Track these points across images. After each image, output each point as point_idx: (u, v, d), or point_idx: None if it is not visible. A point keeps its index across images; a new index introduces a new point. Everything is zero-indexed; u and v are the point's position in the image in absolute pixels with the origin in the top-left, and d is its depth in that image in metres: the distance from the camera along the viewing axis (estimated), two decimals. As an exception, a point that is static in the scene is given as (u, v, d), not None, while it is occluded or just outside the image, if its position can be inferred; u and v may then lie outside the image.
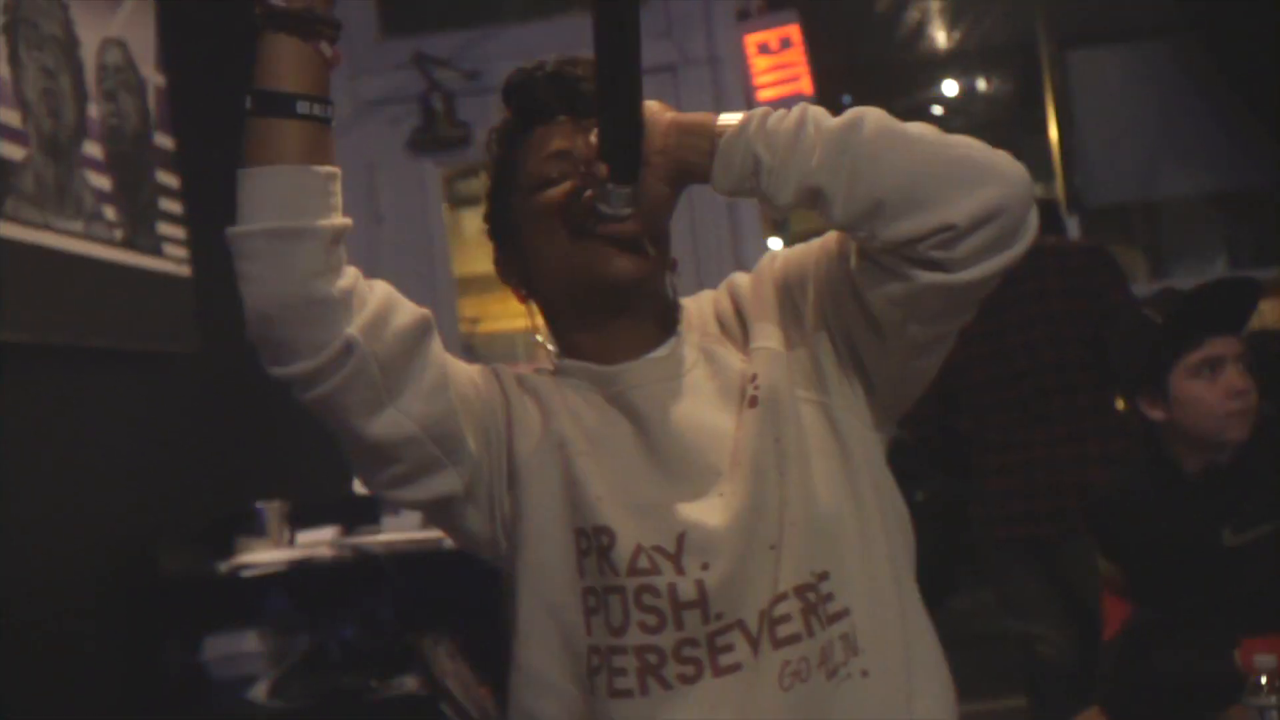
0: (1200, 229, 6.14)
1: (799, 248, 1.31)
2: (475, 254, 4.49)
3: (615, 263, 1.23)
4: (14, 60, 2.21)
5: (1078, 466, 2.93)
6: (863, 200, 1.11)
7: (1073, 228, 4.78)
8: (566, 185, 1.25)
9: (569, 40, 3.94)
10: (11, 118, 2.19)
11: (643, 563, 1.20)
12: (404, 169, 4.06)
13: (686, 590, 1.19)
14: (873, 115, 1.14)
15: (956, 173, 1.11)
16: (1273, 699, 1.62)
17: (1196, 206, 5.70)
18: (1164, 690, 2.05)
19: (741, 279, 1.36)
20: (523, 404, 1.28)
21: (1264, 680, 1.63)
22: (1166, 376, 2.12)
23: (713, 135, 1.17)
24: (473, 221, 4.39)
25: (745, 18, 4.06)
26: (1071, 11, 5.36)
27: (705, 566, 1.19)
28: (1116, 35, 5.16)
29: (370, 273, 3.76)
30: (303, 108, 1.12)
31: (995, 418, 3.06)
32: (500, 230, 1.36)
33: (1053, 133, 5.85)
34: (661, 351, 1.29)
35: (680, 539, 1.20)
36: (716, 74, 3.98)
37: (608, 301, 1.26)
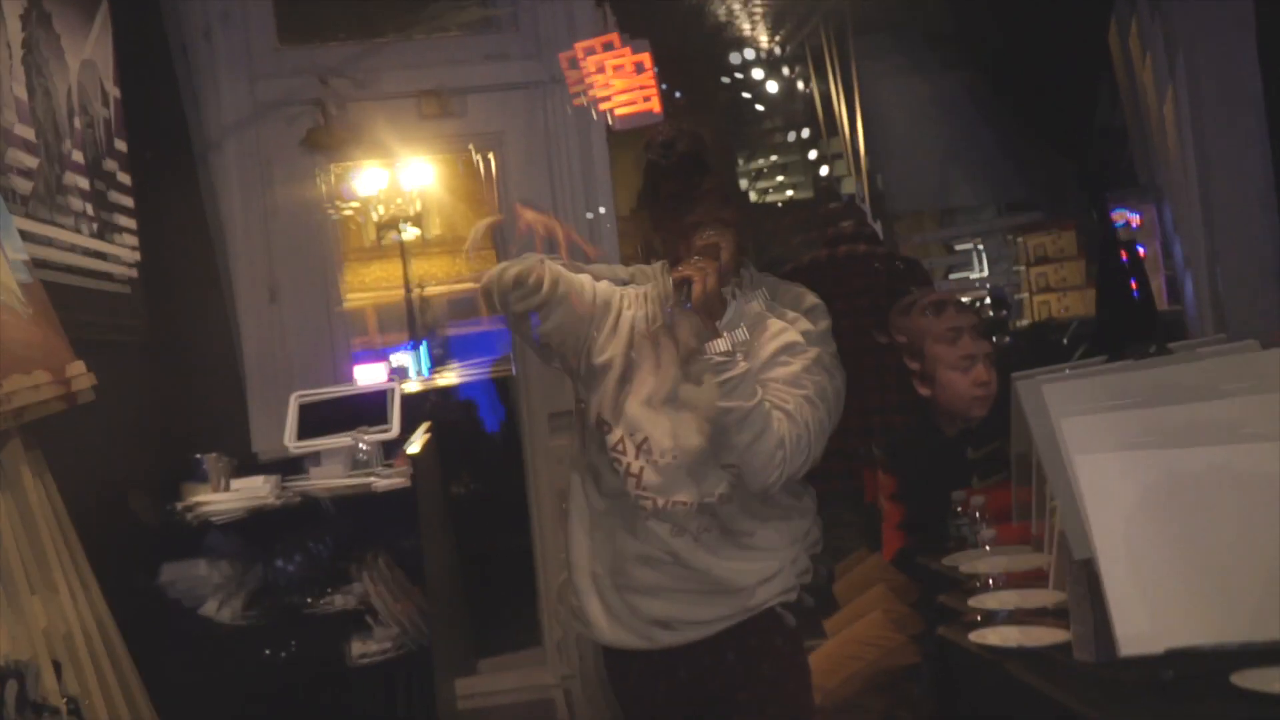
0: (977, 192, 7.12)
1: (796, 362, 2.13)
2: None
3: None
4: (29, 87, 2.67)
5: (879, 413, 3.70)
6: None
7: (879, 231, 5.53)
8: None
9: (453, 53, 4.50)
10: (29, 133, 2.65)
11: None
12: (297, 165, 4.53)
13: None
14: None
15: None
16: (963, 521, 2.41)
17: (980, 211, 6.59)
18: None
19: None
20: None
21: (959, 508, 2.43)
22: (936, 366, 2.88)
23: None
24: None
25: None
26: (880, 40, 6.11)
27: None
28: (921, 67, 5.95)
29: (265, 254, 4.22)
30: None
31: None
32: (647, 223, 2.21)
33: (861, 140, 6.63)
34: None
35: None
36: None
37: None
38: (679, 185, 2.10)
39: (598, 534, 2.19)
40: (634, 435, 2.13)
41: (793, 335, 2.14)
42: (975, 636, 2.09)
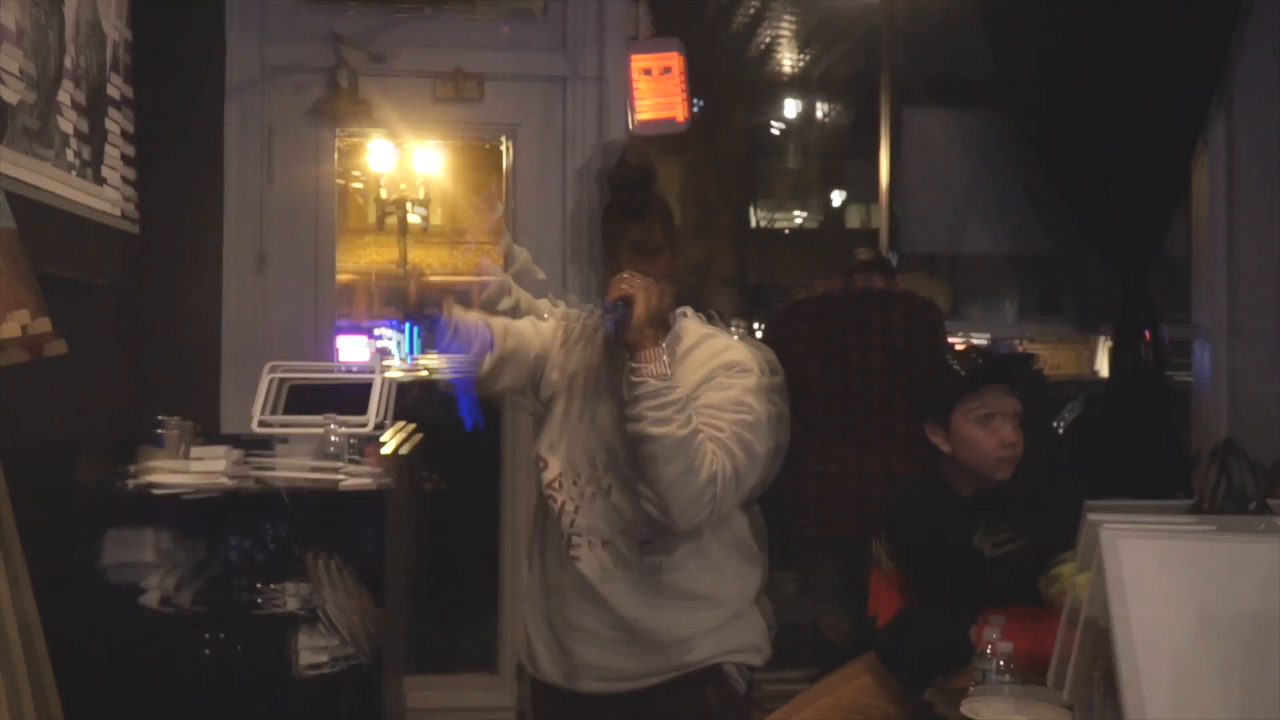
0: (994, 278, 6.87)
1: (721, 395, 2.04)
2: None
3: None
4: (24, 15, 2.48)
5: (884, 481, 3.50)
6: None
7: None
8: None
9: (475, 36, 4.34)
10: (26, 65, 2.46)
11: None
12: (302, 135, 4.34)
13: None
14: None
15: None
16: (991, 663, 2.18)
17: (993, 262, 6.38)
18: (918, 652, 2.60)
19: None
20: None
21: (988, 649, 2.19)
22: (950, 417, 2.68)
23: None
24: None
25: (633, 40, 4.48)
26: (910, 65, 5.94)
27: None
28: (946, 94, 5.76)
29: (258, 222, 4.10)
30: None
31: (820, 429, 3.59)
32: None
33: (883, 173, 6.45)
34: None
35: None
36: (602, 90, 4.38)
37: None
38: (625, 197, 2.07)
39: (546, 565, 2.12)
40: (568, 470, 2.07)
41: (737, 354, 2.05)
42: (967, 709, 2.00)
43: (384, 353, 6.52)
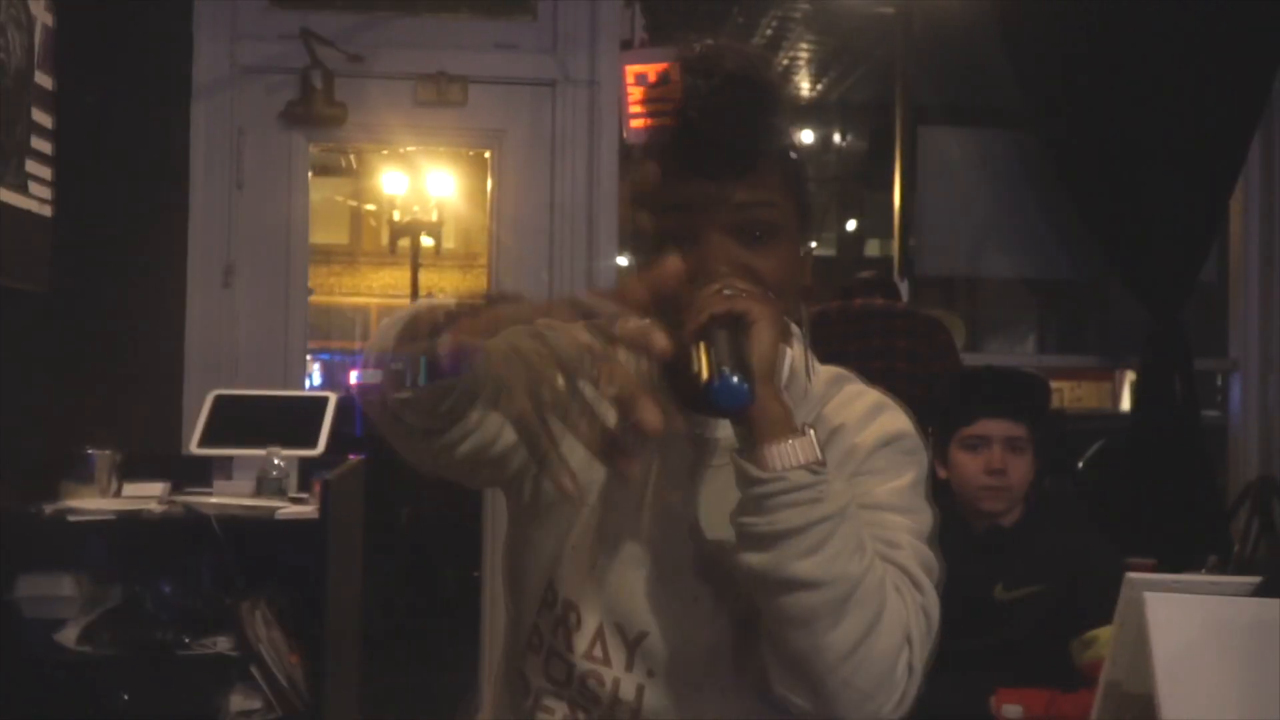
0: (1013, 309, 6.60)
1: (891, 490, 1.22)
2: (322, 225, 4.52)
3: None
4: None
5: None
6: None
7: (903, 291, 5.09)
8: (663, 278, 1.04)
9: (459, 39, 4.08)
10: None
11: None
12: (273, 139, 4.08)
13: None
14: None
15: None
16: None
17: (1013, 289, 6.11)
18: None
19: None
20: None
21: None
22: (948, 443, 2.39)
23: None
24: (319, 191, 4.41)
25: (627, 46, 4.23)
26: (927, 86, 5.68)
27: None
28: (965, 118, 5.50)
29: (226, 237, 3.82)
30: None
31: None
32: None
33: (896, 197, 6.18)
34: None
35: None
36: (594, 95, 4.12)
37: None
38: (717, 130, 1.12)
39: None
40: (623, 627, 1.19)
41: (897, 419, 1.27)
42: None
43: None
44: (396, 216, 9.97)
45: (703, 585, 1.19)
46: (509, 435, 1.09)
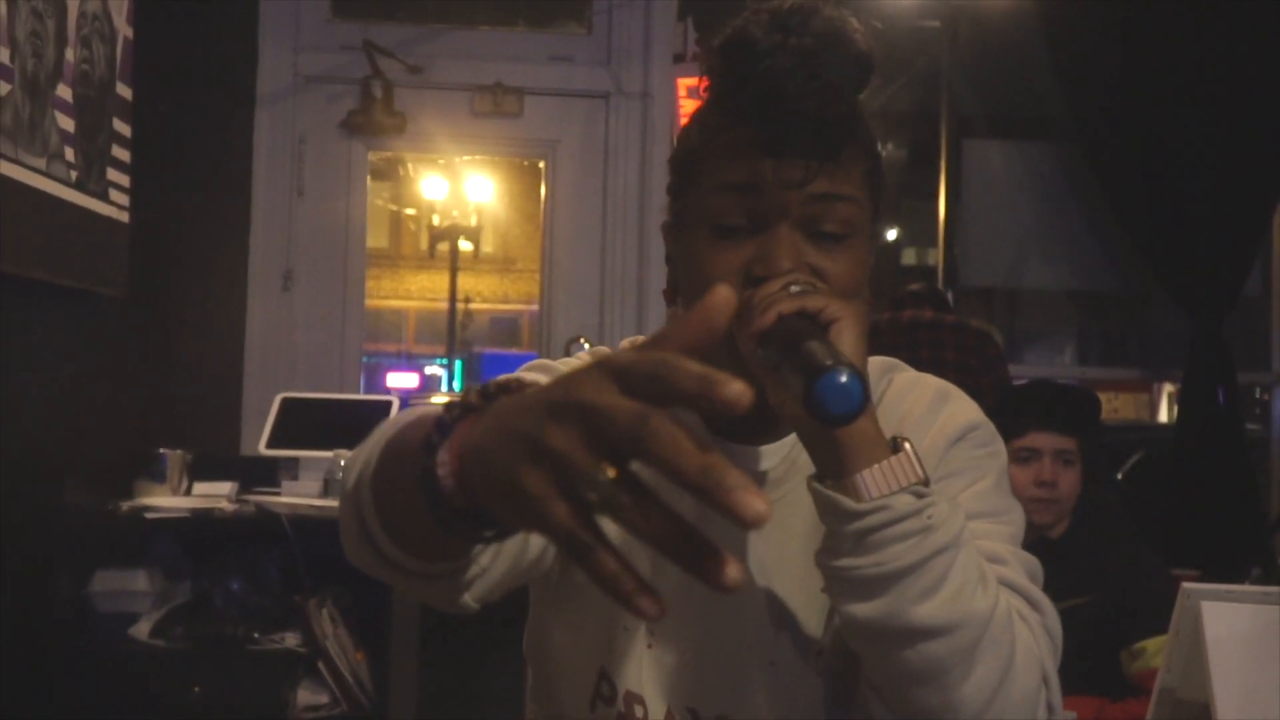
0: (1054, 321, 6.60)
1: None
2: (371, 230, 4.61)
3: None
4: (10, 1, 2.31)
5: None
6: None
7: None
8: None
9: (516, 51, 4.16)
10: (2, 54, 2.29)
11: None
12: (333, 147, 4.18)
13: None
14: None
15: None
16: None
17: (1054, 299, 6.12)
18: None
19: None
20: None
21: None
22: None
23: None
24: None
25: (680, 60, 4.29)
26: (971, 98, 5.72)
27: None
28: (1008, 130, 5.53)
29: (286, 242, 3.93)
30: None
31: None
32: (674, 216, 1.14)
33: (941, 208, 6.22)
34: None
35: None
36: (647, 108, 4.19)
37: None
38: (798, 101, 0.93)
39: None
40: (696, 713, 1.03)
41: (968, 408, 1.14)
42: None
43: (432, 382, 6.39)
44: (436, 221, 10.08)
45: (776, 647, 1.01)
46: (538, 538, 0.91)
